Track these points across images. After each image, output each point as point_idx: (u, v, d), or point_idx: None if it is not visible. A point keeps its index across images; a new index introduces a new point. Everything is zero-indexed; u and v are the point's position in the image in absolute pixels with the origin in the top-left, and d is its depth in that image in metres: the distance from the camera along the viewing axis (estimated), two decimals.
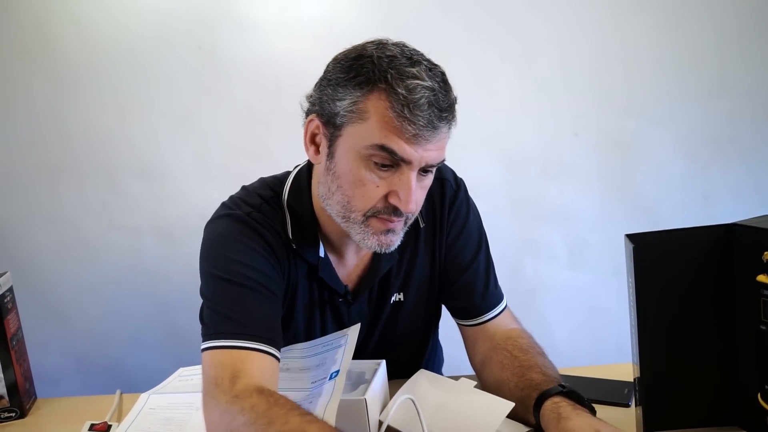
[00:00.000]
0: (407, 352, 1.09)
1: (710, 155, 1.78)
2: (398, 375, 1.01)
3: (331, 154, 0.85)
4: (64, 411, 1.11)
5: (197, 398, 0.90)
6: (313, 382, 0.88)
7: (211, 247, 0.91)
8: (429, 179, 0.87)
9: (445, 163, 0.87)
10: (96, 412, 1.05)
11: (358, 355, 0.94)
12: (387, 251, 0.87)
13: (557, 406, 0.79)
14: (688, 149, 1.78)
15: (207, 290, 0.89)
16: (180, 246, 1.72)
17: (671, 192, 1.79)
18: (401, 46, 0.82)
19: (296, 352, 0.96)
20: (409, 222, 0.89)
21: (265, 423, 0.71)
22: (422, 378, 0.97)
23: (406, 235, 0.92)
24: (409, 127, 0.77)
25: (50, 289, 1.73)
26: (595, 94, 1.73)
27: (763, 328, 0.78)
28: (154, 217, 1.71)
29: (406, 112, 0.76)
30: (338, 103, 0.81)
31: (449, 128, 0.83)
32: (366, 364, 0.93)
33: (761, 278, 0.76)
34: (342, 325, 1.00)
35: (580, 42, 1.70)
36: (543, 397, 0.81)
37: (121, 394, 1.12)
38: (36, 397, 1.16)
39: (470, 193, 1.05)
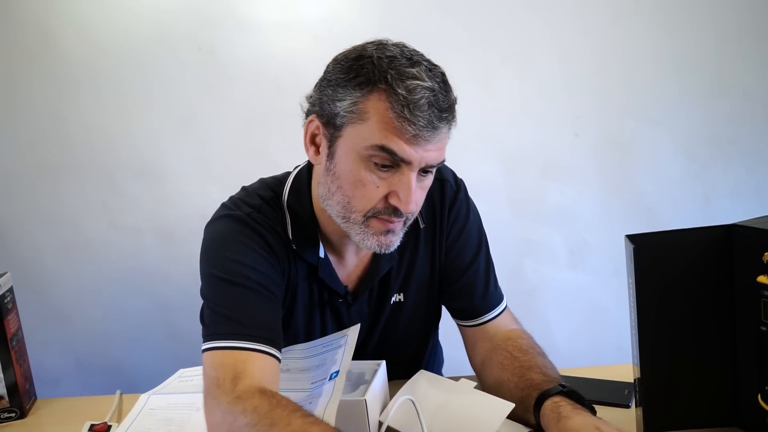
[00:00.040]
0: (407, 353, 1.09)
1: (710, 156, 1.78)
2: (398, 376, 1.01)
3: (331, 155, 0.85)
4: (64, 411, 1.11)
5: (197, 399, 0.90)
6: (313, 383, 0.88)
7: (211, 247, 0.91)
8: (429, 180, 0.86)
9: (445, 163, 0.87)
10: (96, 413, 1.05)
11: (358, 355, 0.94)
12: (387, 252, 0.87)
13: (557, 406, 0.79)
14: (688, 150, 1.78)
15: (207, 291, 0.89)
16: (180, 246, 1.72)
17: (671, 192, 1.79)
18: (401, 47, 0.82)
19: (296, 352, 0.96)
20: (409, 222, 0.89)
21: (267, 424, 0.71)
22: (422, 379, 0.97)
23: (406, 235, 0.92)
24: (409, 128, 0.77)
25: (50, 289, 1.73)
26: (595, 94, 1.73)
27: (764, 329, 0.78)
28: (154, 217, 1.71)
29: (406, 112, 0.76)
30: (338, 104, 0.81)
31: (449, 129, 0.83)
32: (366, 364, 0.93)
33: (761, 279, 0.76)
34: (342, 325, 1.00)
35: (581, 42, 1.70)
36: (543, 396, 0.81)
37: (121, 394, 1.12)
38: (36, 398, 1.16)
39: (470, 194, 1.04)
